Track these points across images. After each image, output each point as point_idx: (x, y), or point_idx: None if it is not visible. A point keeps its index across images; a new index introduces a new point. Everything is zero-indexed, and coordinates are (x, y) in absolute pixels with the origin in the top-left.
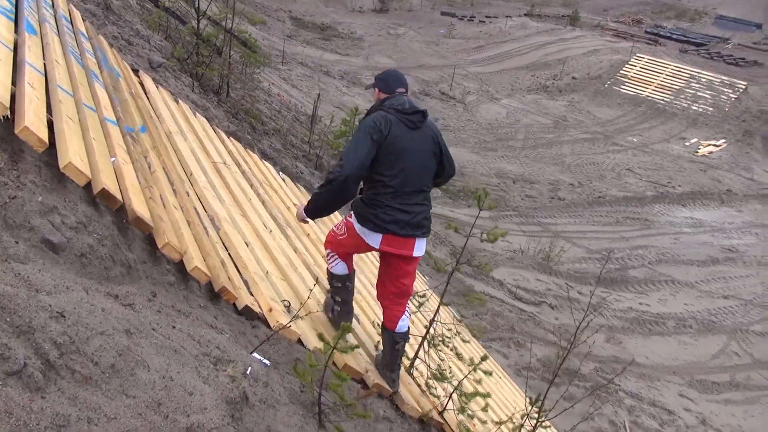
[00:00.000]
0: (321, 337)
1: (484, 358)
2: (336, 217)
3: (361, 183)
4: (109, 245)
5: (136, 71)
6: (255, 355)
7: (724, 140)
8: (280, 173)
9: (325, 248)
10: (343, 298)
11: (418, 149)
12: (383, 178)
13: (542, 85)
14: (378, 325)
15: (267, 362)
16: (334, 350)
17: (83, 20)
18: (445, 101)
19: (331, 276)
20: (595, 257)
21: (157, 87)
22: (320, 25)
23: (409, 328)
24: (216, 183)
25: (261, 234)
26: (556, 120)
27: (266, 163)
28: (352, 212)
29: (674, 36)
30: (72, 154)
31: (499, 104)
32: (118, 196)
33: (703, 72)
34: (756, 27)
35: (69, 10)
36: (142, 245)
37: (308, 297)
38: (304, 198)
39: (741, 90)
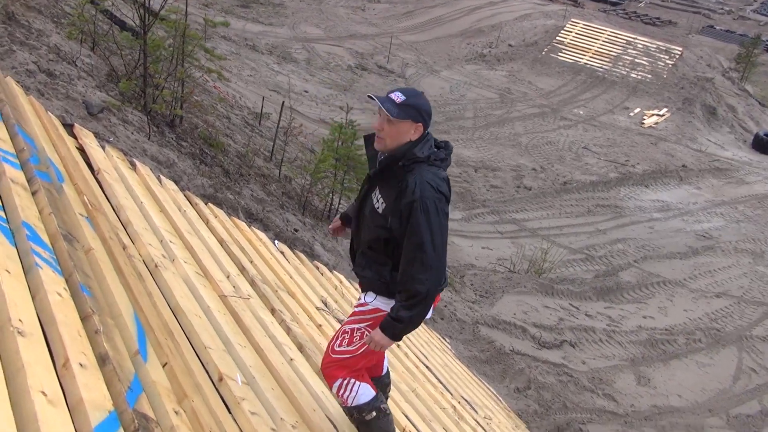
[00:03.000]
0: None
1: None
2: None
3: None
4: None
5: (69, 127)
6: None
7: (666, 109)
8: (276, 243)
9: (333, 382)
10: (385, 427)
11: None
12: None
13: (479, 54)
14: None
15: None
16: None
17: None
18: (384, 76)
19: (359, 410)
20: (579, 258)
21: (104, 151)
22: None
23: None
24: (253, 366)
25: None
26: (500, 93)
27: (259, 234)
28: (372, 299)
29: None
30: None
31: (440, 77)
32: None
33: (639, 38)
34: None
35: None
36: None
37: None
38: (310, 274)
39: (677, 56)
